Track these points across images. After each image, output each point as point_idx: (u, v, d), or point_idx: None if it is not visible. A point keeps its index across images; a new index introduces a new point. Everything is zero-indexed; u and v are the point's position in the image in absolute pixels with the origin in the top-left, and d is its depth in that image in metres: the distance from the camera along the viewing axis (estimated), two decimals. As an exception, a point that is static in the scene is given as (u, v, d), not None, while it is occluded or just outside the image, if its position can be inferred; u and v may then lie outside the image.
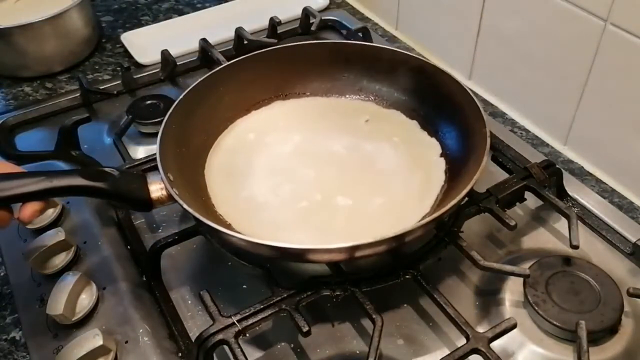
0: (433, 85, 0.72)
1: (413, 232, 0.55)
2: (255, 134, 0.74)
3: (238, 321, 0.54)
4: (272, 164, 0.70)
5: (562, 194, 0.72)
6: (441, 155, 0.70)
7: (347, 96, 0.78)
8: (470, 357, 0.53)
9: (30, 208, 0.54)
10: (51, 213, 0.68)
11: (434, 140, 0.71)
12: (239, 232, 0.55)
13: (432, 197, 0.65)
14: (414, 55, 0.75)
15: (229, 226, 0.62)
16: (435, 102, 0.72)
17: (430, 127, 0.73)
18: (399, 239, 0.54)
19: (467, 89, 0.68)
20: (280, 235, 0.61)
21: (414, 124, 0.74)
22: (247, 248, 0.55)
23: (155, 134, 0.64)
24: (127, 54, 0.99)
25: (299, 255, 0.55)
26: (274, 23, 0.98)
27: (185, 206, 0.56)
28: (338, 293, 0.57)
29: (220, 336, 0.53)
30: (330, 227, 0.63)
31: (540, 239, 0.68)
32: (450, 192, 0.63)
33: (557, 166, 0.71)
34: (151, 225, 0.71)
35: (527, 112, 0.86)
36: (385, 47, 0.77)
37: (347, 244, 0.52)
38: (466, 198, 0.58)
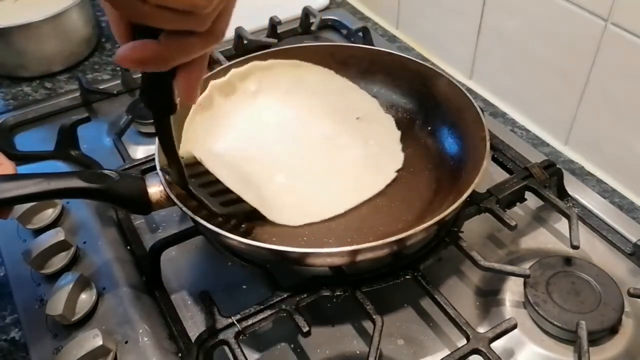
0: (431, 88, 0.72)
1: (415, 235, 0.55)
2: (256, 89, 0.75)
3: (238, 321, 0.54)
4: (250, 130, 0.71)
5: (563, 194, 0.72)
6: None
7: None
8: (470, 358, 0.53)
9: None
10: (51, 213, 0.68)
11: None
12: (238, 235, 0.55)
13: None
14: (412, 58, 0.75)
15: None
16: (434, 104, 0.72)
17: (430, 128, 0.73)
18: (400, 242, 0.54)
19: (466, 93, 0.68)
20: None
21: (397, 134, 0.73)
22: (247, 250, 0.55)
23: (155, 134, 0.63)
24: (127, 53, 0.99)
25: (299, 258, 0.55)
26: (274, 23, 0.98)
27: (185, 209, 0.56)
28: (338, 293, 0.57)
29: (220, 336, 0.53)
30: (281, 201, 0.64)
31: (540, 239, 0.68)
32: (451, 195, 0.63)
33: (557, 166, 0.71)
34: (151, 225, 0.71)
35: (527, 112, 0.85)
36: (383, 49, 0.76)
37: (349, 248, 0.53)
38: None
